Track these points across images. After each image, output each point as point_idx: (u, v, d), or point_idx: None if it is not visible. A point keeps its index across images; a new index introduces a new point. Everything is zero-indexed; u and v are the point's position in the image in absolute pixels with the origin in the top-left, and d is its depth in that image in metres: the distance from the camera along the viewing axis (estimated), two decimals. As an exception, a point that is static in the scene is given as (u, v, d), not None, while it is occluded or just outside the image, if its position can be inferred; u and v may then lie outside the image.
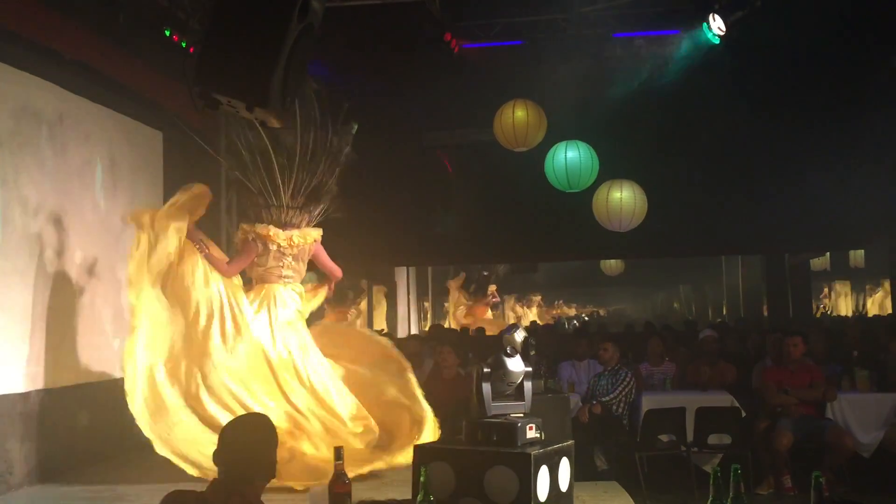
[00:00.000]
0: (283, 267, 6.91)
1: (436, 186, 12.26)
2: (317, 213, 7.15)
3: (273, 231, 6.81)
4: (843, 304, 22.75)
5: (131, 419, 7.57)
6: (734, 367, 8.60)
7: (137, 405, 6.05)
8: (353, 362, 7.10)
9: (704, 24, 8.70)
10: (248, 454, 2.85)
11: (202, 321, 6.38)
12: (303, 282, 7.27)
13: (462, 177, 12.48)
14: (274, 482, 3.05)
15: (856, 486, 6.58)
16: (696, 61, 9.21)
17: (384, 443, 6.48)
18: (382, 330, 12.79)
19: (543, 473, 4.16)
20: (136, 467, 6.94)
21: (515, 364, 4.45)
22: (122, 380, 7.47)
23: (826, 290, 23.58)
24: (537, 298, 23.01)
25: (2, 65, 6.20)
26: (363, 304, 16.86)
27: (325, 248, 7.96)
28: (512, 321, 18.14)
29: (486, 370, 4.40)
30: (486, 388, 4.39)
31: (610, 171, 9.56)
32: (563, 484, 4.38)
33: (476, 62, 10.17)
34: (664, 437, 7.18)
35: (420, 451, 4.41)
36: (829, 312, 21.33)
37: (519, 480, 4.07)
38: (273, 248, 6.82)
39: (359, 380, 6.96)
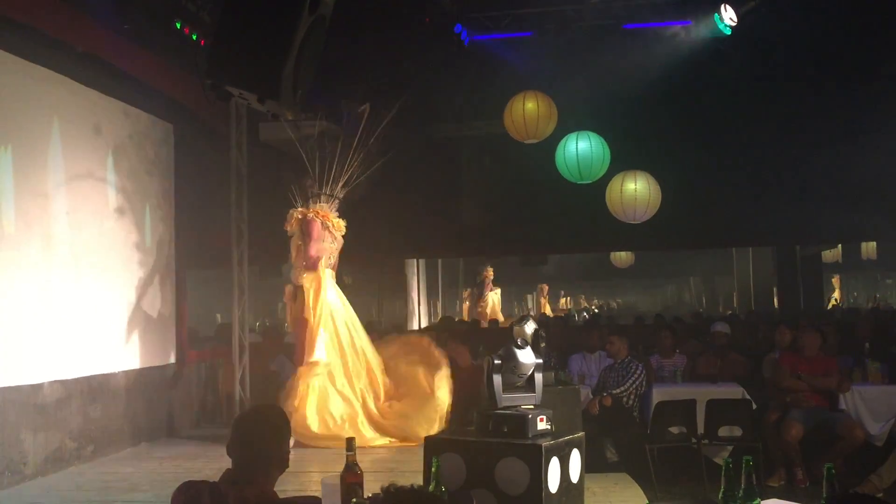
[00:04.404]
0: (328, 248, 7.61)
1: (446, 179, 12.23)
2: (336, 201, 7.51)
3: (330, 212, 7.62)
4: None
5: (143, 410, 7.66)
6: (744, 359, 8.58)
7: None
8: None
9: (716, 14, 8.66)
10: (262, 445, 2.86)
11: None
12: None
13: (473, 169, 12.45)
14: None
15: (867, 476, 6.54)
16: (707, 52, 9.17)
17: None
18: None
19: (554, 465, 4.16)
20: (150, 458, 6.99)
21: (526, 356, 4.45)
22: (134, 370, 7.55)
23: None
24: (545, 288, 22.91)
25: (13, 57, 6.22)
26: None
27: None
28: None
29: (496, 362, 4.40)
30: (497, 379, 4.39)
31: (620, 162, 9.52)
32: (574, 475, 4.39)
33: (486, 54, 10.14)
34: (675, 430, 7.16)
35: (431, 442, 4.42)
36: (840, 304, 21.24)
37: (530, 471, 4.08)
38: (326, 229, 7.57)
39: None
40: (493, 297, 17.55)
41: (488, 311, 16.84)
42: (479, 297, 17.26)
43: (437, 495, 2.27)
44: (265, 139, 8.49)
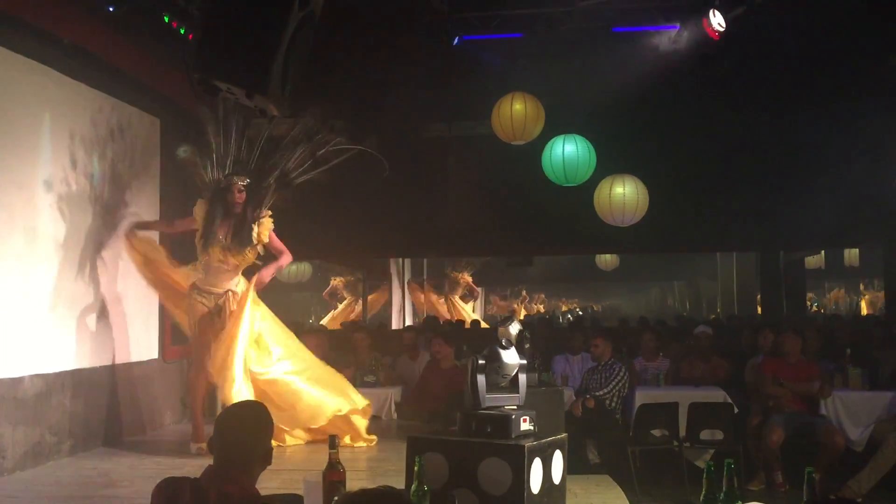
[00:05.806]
0: None
1: (433, 178, 12.21)
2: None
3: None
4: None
5: (124, 405, 7.61)
6: (727, 363, 8.64)
7: None
8: None
9: (704, 19, 8.69)
10: (244, 441, 2.85)
11: None
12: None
13: (459, 169, 12.45)
14: None
15: (846, 482, 6.59)
16: (695, 57, 9.19)
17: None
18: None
19: (537, 465, 4.16)
20: (130, 454, 6.94)
21: (510, 356, 4.45)
22: (115, 365, 7.50)
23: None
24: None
25: (-1, 48, 6.17)
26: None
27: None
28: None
29: (480, 362, 4.40)
30: (481, 379, 4.38)
31: (607, 165, 9.56)
32: (556, 476, 4.39)
33: (475, 54, 10.14)
34: (657, 432, 7.21)
35: (414, 441, 4.41)
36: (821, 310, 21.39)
37: (512, 472, 4.07)
38: None
39: None
40: (463, 306, 17.61)
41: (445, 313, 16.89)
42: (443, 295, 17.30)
43: (397, 492, 2.25)
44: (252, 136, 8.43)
